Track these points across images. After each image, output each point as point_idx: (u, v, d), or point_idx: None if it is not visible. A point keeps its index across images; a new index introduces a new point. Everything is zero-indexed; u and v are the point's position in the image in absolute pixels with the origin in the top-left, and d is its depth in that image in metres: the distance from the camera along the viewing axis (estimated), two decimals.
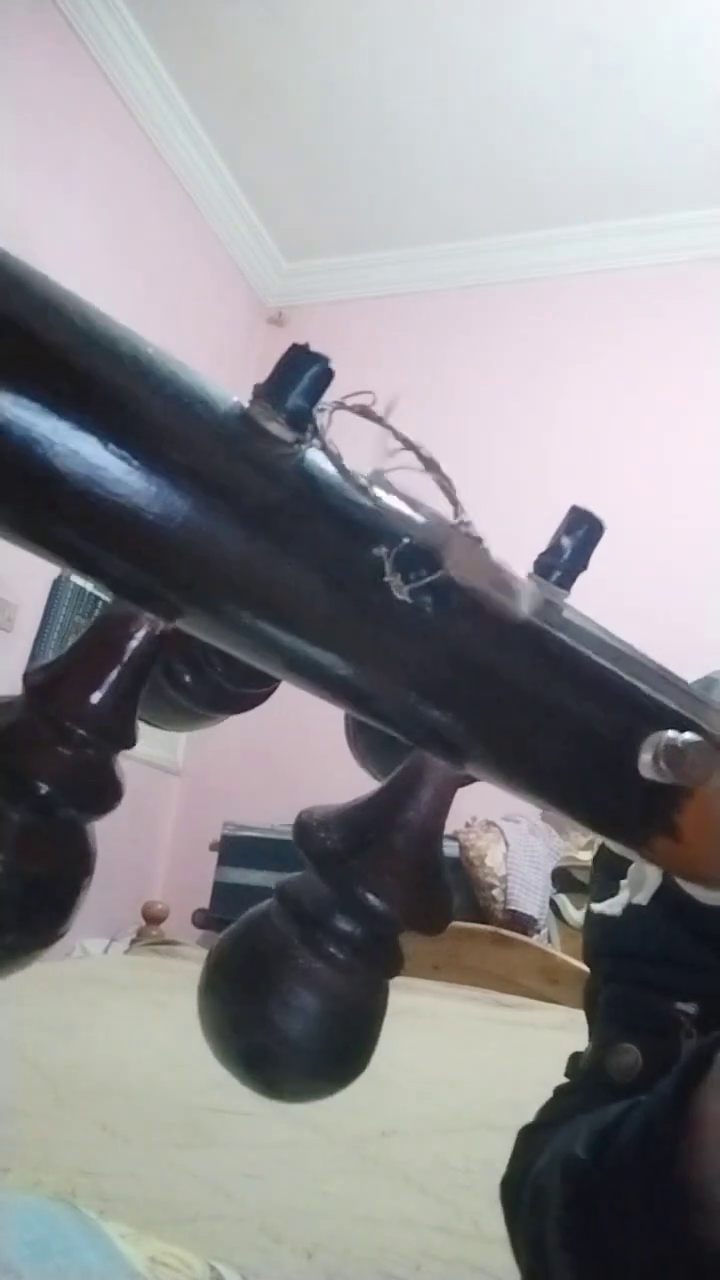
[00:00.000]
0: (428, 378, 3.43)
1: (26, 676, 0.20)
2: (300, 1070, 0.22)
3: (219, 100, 3.13)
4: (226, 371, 2.90)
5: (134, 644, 0.20)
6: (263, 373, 0.20)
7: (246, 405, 0.20)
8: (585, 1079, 0.58)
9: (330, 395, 0.20)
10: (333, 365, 0.20)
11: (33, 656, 2.68)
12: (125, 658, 0.20)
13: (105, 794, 0.20)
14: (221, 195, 3.44)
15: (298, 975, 0.21)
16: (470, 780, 0.24)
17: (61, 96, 2.84)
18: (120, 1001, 1.80)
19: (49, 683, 0.20)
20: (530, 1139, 0.59)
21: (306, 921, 0.22)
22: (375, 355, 3.45)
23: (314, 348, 0.21)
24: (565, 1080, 0.61)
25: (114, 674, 0.20)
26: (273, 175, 3.37)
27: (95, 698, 0.20)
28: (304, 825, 0.22)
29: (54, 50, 2.80)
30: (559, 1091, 0.61)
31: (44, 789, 0.19)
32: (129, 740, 0.20)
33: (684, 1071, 0.41)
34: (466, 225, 3.40)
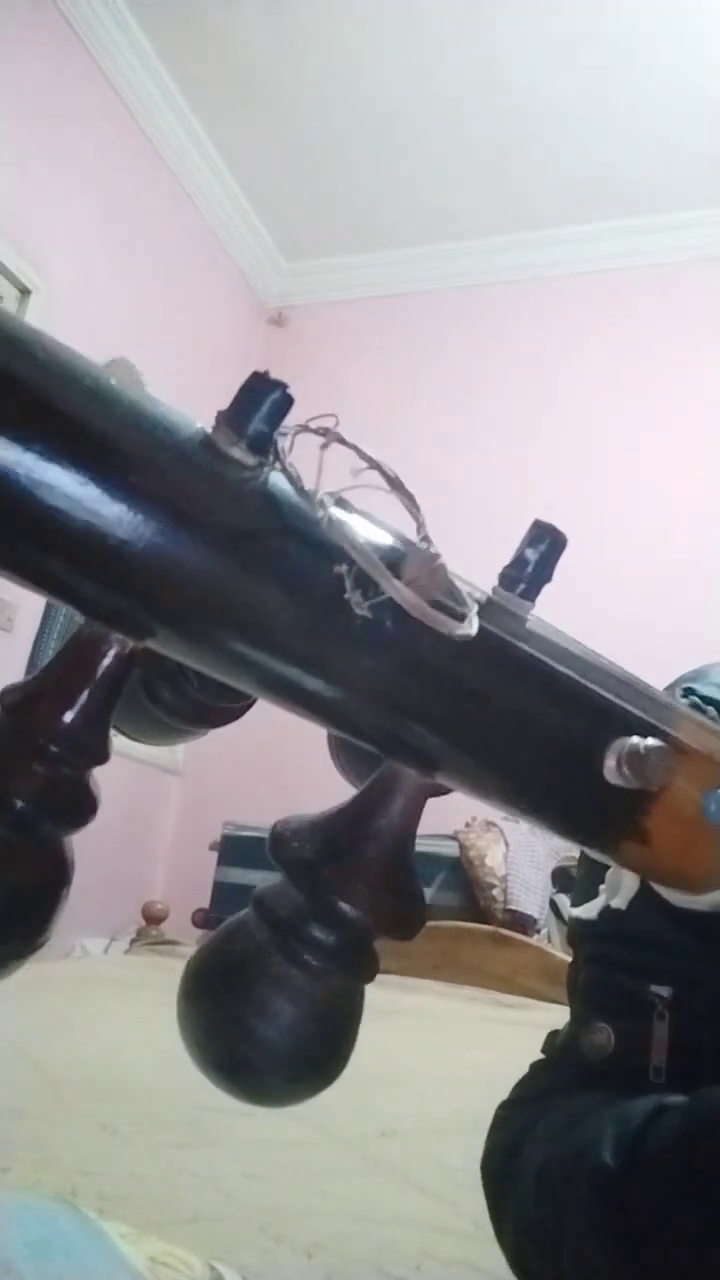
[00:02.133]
0: (427, 377, 3.43)
1: (2, 695, 0.21)
2: (276, 1075, 0.22)
3: (219, 100, 3.12)
4: (226, 372, 2.90)
5: (105, 663, 0.20)
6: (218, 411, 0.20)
7: (209, 431, 0.20)
8: (560, 1055, 0.59)
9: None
10: (291, 392, 0.20)
11: (32, 656, 2.68)
12: (97, 676, 0.20)
13: (80, 808, 0.21)
14: (221, 195, 3.44)
15: (273, 982, 0.22)
16: (444, 789, 0.24)
17: (61, 96, 2.84)
18: (120, 1001, 1.80)
19: (23, 702, 0.20)
20: (508, 1114, 0.60)
21: (281, 929, 0.22)
22: (375, 355, 3.45)
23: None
24: (541, 1057, 0.62)
25: (86, 693, 0.20)
26: (273, 175, 3.37)
27: (68, 716, 0.20)
28: (278, 835, 0.23)
29: (54, 50, 2.80)
30: (534, 1068, 0.62)
31: (20, 805, 0.20)
32: (103, 756, 0.21)
33: None
34: (466, 226, 3.40)
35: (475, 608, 0.22)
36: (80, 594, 0.20)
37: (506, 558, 0.24)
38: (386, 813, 0.23)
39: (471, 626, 0.21)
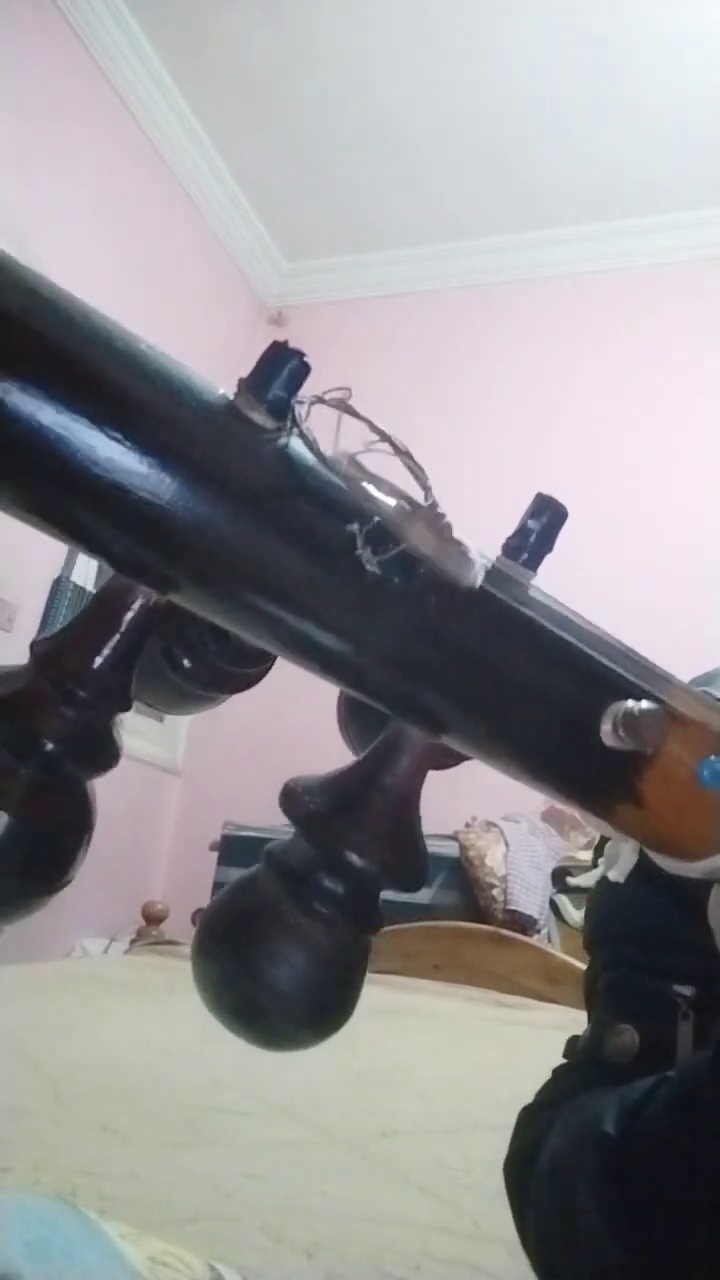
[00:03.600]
0: (427, 377, 3.43)
1: (34, 645, 0.22)
2: (286, 1019, 0.23)
3: (219, 100, 3.13)
4: (226, 371, 2.87)
5: (130, 615, 0.22)
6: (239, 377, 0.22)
7: (232, 396, 0.21)
8: (582, 1059, 0.59)
9: (305, 395, 0.22)
10: (308, 360, 0.22)
11: None
12: (123, 627, 0.22)
13: (105, 753, 0.22)
14: (221, 195, 3.44)
15: (284, 930, 0.23)
16: (448, 760, 0.25)
17: (61, 96, 2.84)
18: (120, 1001, 1.80)
19: (54, 650, 0.22)
20: (531, 1119, 0.60)
21: (293, 880, 0.23)
22: (375, 355, 3.45)
23: (314, 348, 0.22)
24: (564, 1062, 0.62)
25: (113, 642, 0.22)
26: (273, 175, 3.37)
27: (96, 663, 0.22)
28: (290, 792, 0.24)
29: (54, 50, 2.80)
30: (557, 1072, 0.62)
31: (50, 747, 0.21)
32: (126, 703, 0.22)
33: None
34: (466, 225, 3.40)
35: (480, 560, 0.23)
36: (109, 547, 0.21)
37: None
38: (393, 770, 0.24)
39: (478, 575, 0.23)
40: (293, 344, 0.21)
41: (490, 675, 0.24)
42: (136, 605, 0.22)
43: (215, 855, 2.79)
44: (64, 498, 0.20)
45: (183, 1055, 1.36)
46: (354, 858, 0.23)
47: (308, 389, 0.22)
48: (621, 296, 3.32)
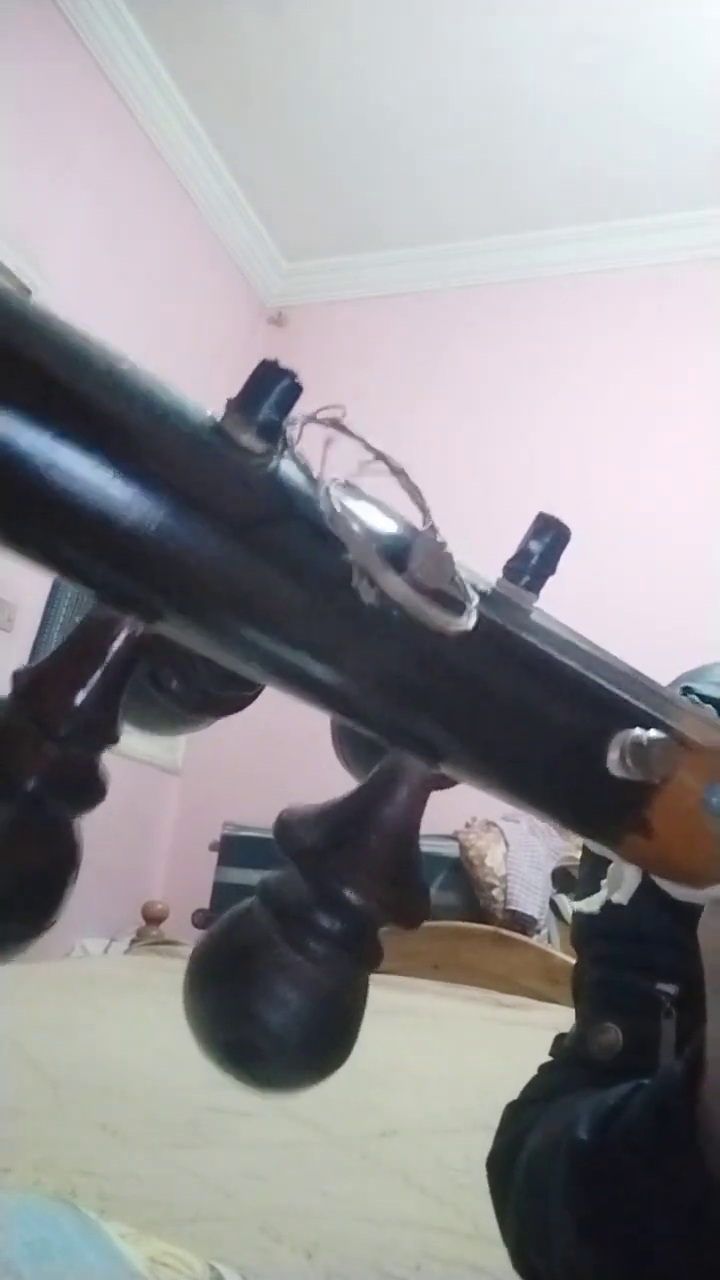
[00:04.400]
0: (427, 377, 3.43)
1: (15, 677, 0.21)
2: (282, 1062, 0.22)
3: (219, 100, 3.12)
4: (226, 371, 2.90)
5: (116, 646, 0.21)
6: (227, 399, 0.21)
7: (219, 418, 0.20)
8: (568, 1057, 0.60)
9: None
10: (300, 381, 0.21)
11: (33, 656, 2.68)
12: (108, 659, 0.21)
13: (90, 790, 0.21)
14: (221, 195, 3.44)
15: (279, 969, 0.22)
16: (447, 782, 0.24)
17: (61, 96, 2.84)
18: (120, 1001, 1.80)
19: (35, 683, 0.21)
20: (515, 1115, 0.60)
21: (287, 917, 0.22)
22: (374, 355, 3.45)
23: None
24: (549, 1059, 0.62)
25: (97, 674, 0.21)
26: (273, 175, 3.37)
27: (79, 697, 0.21)
28: (284, 824, 0.23)
29: (54, 50, 2.80)
30: (542, 1069, 0.62)
31: (31, 785, 0.20)
32: (112, 737, 0.21)
33: (697, 1052, 0.42)
34: (466, 226, 3.40)
35: (475, 600, 0.22)
36: (92, 576, 0.20)
37: (504, 558, 0.25)
38: (391, 802, 0.23)
39: (469, 621, 0.22)
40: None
41: (492, 705, 0.23)
42: (122, 636, 0.21)
43: (215, 855, 2.79)
44: (43, 526, 0.19)
45: (183, 1055, 1.35)
46: (351, 895, 0.22)
47: (302, 404, 0.21)
48: (621, 297, 3.32)
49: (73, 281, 2.80)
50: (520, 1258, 0.56)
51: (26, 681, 0.21)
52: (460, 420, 3.34)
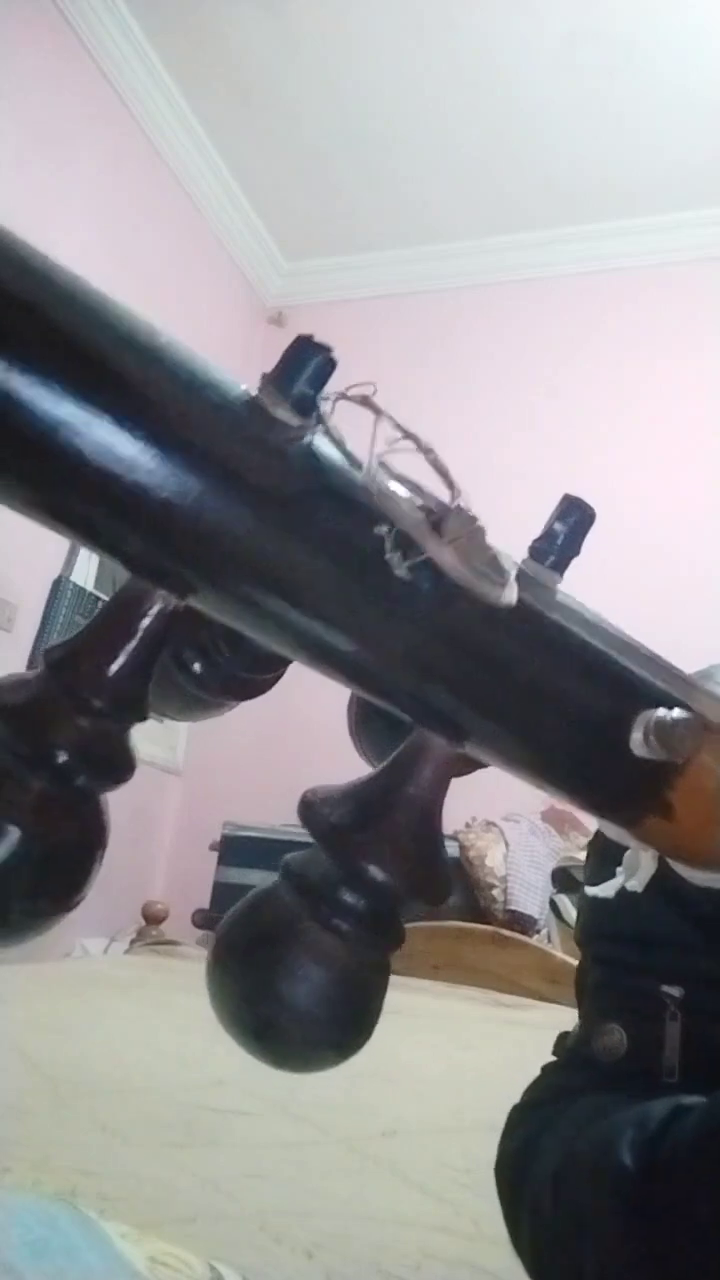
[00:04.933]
0: (427, 377, 3.43)
1: (47, 652, 0.21)
2: (303, 1039, 0.22)
3: (218, 100, 3.12)
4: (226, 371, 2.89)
5: (147, 620, 0.21)
6: (263, 373, 0.21)
7: (255, 393, 0.20)
8: (571, 1058, 0.59)
9: (330, 391, 0.21)
10: (335, 356, 0.21)
11: (33, 656, 2.68)
12: (140, 633, 0.21)
13: (120, 765, 0.21)
14: (221, 195, 3.44)
15: (304, 947, 0.22)
16: (470, 766, 0.24)
17: (61, 96, 2.84)
18: (120, 1001, 1.80)
19: (68, 656, 0.21)
20: (522, 1118, 0.60)
21: (312, 895, 0.22)
22: (374, 355, 3.44)
23: None
24: (553, 1059, 0.62)
25: (129, 648, 0.21)
26: (273, 175, 3.37)
27: (112, 670, 0.20)
28: (309, 803, 0.23)
29: (54, 50, 2.80)
30: (546, 1070, 0.62)
31: (62, 758, 0.20)
32: (142, 713, 0.21)
33: None
34: (466, 226, 3.40)
35: (514, 572, 0.22)
36: (126, 550, 0.20)
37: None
38: (416, 781, 0.23)
39: (512, 594, 0.22)
40: (297, 335, 0.21)
41: (518, 683, 0.23)
42: (154, 610, 0.21)
43: (215, 855, 2.79)
44: (79, 497, 0.19)
45: (183, 1055, 1.36)
46: (375, 872, 0.22)
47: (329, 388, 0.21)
48: (620, 297, 3.32)
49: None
50: (536, 1266, 0.54)
51: (60, 655, 0.21)
52: (459, 420, 3.33)
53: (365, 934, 0.22)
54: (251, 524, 0.20)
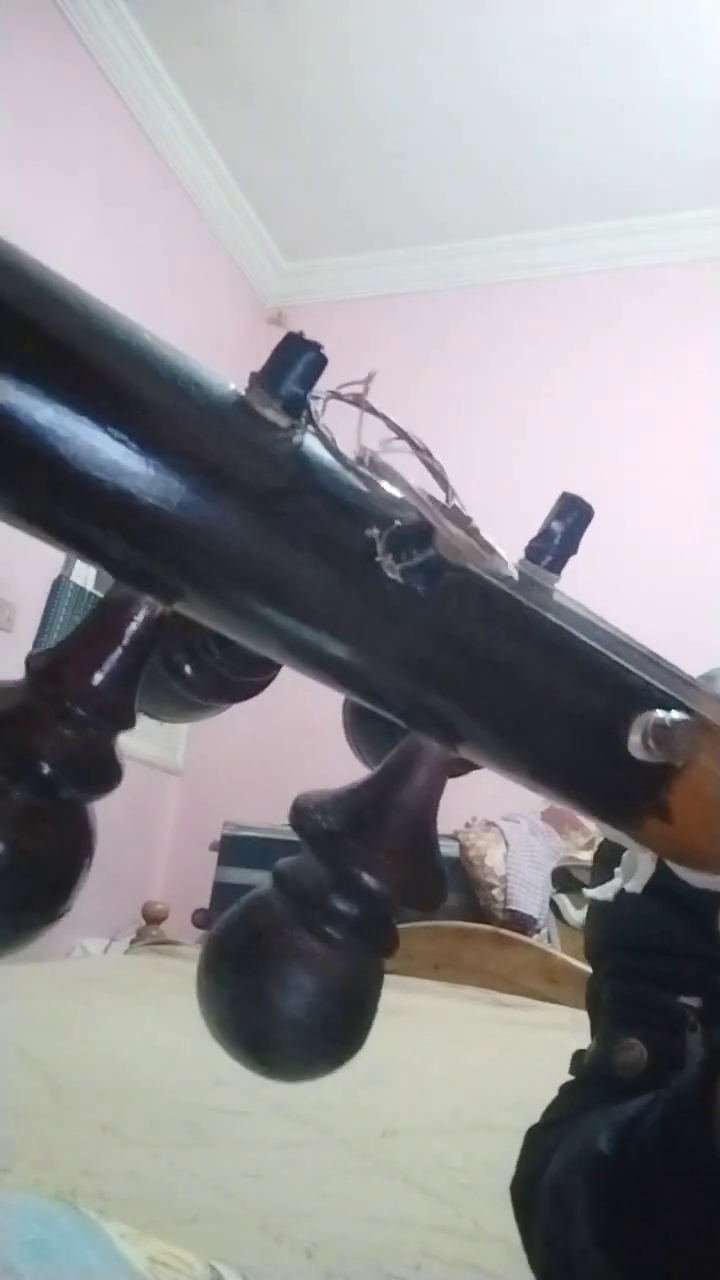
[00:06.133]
0: (426, 377, 3.43)
1: (29, 660, 0.20)
2: (295, 1049, 0.22)
3: (219, 100, 3.12)
4: (225, 371, 2.89)
5: (133, 627, 0.20)
6: (251, 371, 0.20)
7: (243, 392, 0.20)
8: (590, 1075, 0.58)
9: (320, 390, 0.21)
10: (325, 352, 0.20)
11: None
12: (125, 640, 0.20)
13: (105, 774, 0.21)
14: (221, 195, 3.44)
15: (295, 955, 0.21)
16: (465, 768, 0.24)
17: (61, 96, 2.84)
18: (120, 1001, 1.80)
19: (51, 665, 0.20)
20: (538, 1138, 0.59)
21: (303, 902, 0.22)
22: (375, 355, 3.45)
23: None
24: (570, 1079, 0.61)
25: (114, 656, 0.20)
26: (273, 175, 3.37)
27: (96, 679, 0.20)
28: (301, 808, 0.23)
29: (54, 50, 2.80)
30: (564, 1090, 0.61)
31: (46, 769, 0.20)
32: (128, 721, 0.21)
33: (715, 1057, 0.42)
34: (466, 226, 3.40)
35: (516, 569, 0.22)
36: (110, 554, 0.20)
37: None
38: (410, 785, 0.23)
39: (515, 571, 0.21)
40: (287, 333, 0.20)
41: (514, 685, 0.22)
42: (140, 616, 0.20)
43: (215, 855, 2.79)
44: (62, 503, 0.18)
45: (183, 1055, 1.36)
46: (368, 878, 0.22)
47: (320, 385, 0.21)
48: (620, 296, 3.32)
49: (71, 281, 2.80)
50: None
51: (44, 663, 0.20)
52: (459, 420, 3.33)
53: (358, 941, 0.22)
54: (239, 527, 0.19)
